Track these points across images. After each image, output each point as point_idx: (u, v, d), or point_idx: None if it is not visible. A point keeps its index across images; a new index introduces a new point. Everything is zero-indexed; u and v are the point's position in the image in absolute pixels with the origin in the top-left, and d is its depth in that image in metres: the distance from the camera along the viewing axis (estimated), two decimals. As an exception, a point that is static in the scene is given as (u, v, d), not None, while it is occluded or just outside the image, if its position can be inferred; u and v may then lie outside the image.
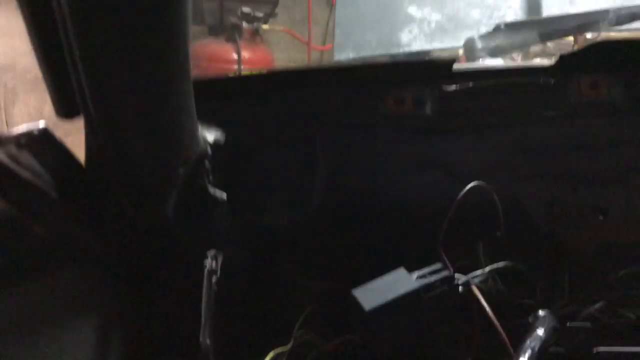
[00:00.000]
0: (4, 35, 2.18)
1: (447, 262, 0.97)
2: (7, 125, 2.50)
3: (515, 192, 1.14)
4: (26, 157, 0.72)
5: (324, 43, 4.48)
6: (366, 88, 0.99)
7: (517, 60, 1.21)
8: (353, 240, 1.16)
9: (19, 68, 2.47)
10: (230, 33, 3.76)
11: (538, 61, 1.05)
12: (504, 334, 0.90)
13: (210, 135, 0.84)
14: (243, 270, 1.02)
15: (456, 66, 0.97)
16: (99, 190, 0.77)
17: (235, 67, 3.77)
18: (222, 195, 0.80)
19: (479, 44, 1.18)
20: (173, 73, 0.62)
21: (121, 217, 0.78)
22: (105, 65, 0.60)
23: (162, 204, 0.74)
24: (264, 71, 0.93)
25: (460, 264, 1.07)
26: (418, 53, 1.46)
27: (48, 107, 0.76)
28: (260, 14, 3.82)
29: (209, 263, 0.82)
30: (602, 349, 0.88)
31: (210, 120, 0.87)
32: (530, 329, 0.91)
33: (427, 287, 0.93)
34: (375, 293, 0.91)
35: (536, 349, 0.86)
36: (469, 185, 0.97)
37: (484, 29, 1.42)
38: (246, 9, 3.73)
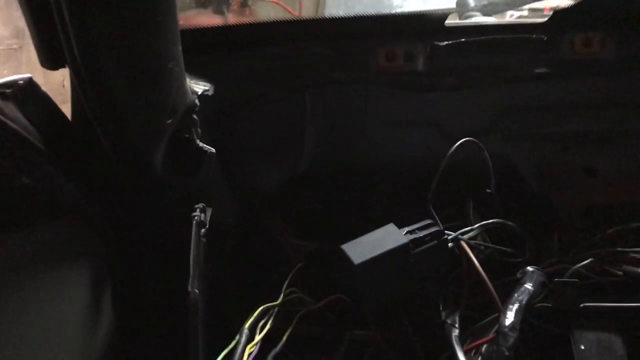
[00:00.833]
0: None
1: (437, 218, 0.99)
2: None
3: (506, 151, 1.16)
4: (11, 108, 0.73)
5: (315, 14, 4.45)
6: (357, 42, 0.99)
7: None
8: (343, 199, 1.18)
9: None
10: (217, 4, 3.73)
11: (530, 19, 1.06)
12: (492, 289, 0.93)
13: (198, 87, 0.84)
14: (232, 227, 1.03)
15: (448, 21, 0.98)
16: (85, 144, 0.78)
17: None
18: (211, 148, 0.81)
19: (472, 2, 1.19)
20: (160, 18, 0.62)
21: (108, 170, 0.79)
22: (91, 9, 0.60)
23: (149, 156, 0.75)
24: (254, 22, 0.93)
25: (451, 224, 1.10)
26: (410, 14, 1.47)
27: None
28: (249, -15, 3.79)
29: (197, 215, 0.83)
30: (588, 304, 0.91)
31: (199, 73, 0.87)
32: (518, 283, 0.93)
33: (416, 242, 0.95)
34: (364, 247, 0.93)
35: (524, 302, 0.89)
36: (460, 141, 0.99)
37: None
38: (234, -21, 3.69)
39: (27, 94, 0.74)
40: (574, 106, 1.14)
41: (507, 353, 0.79)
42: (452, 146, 1.02)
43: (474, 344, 0.88)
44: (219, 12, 3.85)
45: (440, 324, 0.95)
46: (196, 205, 0.85)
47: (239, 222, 1.06)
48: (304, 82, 1.02)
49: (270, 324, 0.94)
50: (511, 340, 0.80)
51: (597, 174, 1.16)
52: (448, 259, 1.00)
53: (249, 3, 3.94)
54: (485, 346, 0.86)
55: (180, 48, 0.70)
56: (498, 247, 1.05)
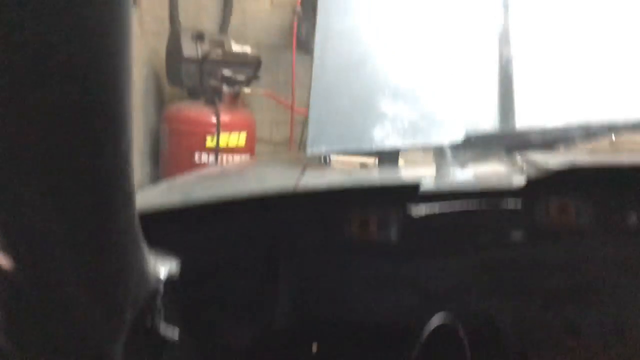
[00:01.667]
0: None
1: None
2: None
3: (485, 310, 1.16)
4: None
5: (308, 105, 4.57)
6: (329, 210, 1.01)
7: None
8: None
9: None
10: (209, 96, 3.83)
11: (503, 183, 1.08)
12: None
13: (163, 269, 0.84)
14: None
15: (423, 189, 1.00)
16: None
17: (214, 130, 3.82)
18: (174, 334, 0.80)
19: (449, 153, 1.22)
20: (117, 235, 0.61)
21: None
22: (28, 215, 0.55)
23: (107, 352, 0.73)
24: (223, 199, 0.94)
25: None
26: (390, 152, 1.50)
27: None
28: (241, 77, 3.90)
29: None
30: None
31: (165, 247, 0.87)
32: None
33: None
34: None
35: None
36: (433, 326, 0.99)
37: (457, 128, 1.47)
38: (227, 72, 3.81)
39: None
40: (553, 265, 1.15)
41: None
42: (430, 306, 1.02)
43: None
44: (211, 103, 3.96)
45: None
46: None
47: None
48: (275, 251, 1.02)
49: None
50: None
51: (580, 333, 1.15)
52: None
53: (241, 96, 4.06)
54: None
55: (141, 246, 0.69)
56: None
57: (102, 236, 0.59)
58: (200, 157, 3.85)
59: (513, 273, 1.15)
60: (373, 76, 1.56)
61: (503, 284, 1.15)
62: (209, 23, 4.40)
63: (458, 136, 1.24)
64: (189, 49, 3.77)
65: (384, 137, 1.49)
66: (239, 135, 4.03)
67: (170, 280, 0.83)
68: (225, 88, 3.84)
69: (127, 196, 0.59)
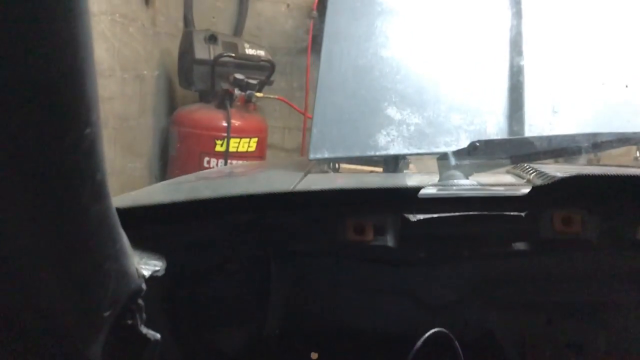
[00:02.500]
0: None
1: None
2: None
3: (485, 323, 1.15)
4: None
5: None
6: (324, 213, 1.01)
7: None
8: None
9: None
10: (220, 100, 3.85)
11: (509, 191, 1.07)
12: None
13: (147, 268, 0.84)
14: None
15: (422, 193, 0.99)
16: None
17: (224, 135, 3.85)
18: (155, 335, 0.80)
19: (453, 161, 1.22)
20: (90, 230, 0.60)
21: None
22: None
23: (86, 351, 0.74)
24: (215, 196, 0.94)
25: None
26: (395, 157, 1.50)
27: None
28: (254, 81, 3.92)
29: None
30: None
31: (152, 246, 0.88)
32: None
33: None
34: None
35: None
36: (428, 334, 0.98)
37: (463, 135, 1.48)
38: (239, 76, 3.83)
39: None
40: (558, 278, 1.14)
41: None
42: (428, 317, 1.01)
43: None
44: (222, 107, 3.99)
45: None
46: None
47: None
48: (267, 253, 1.03)
49: None
50: None
51: (583, 350, 1.14)
52: None
53: (253, 100, 4.09)
54: None
55: (120, 244, 0.69)
56: None
57: (71, 230, 0.57)
58: (209, 162, 3.87)
59: (515, 286, 1.14)
60: (380, 82, 1.57)
61: (505, 296, 1.15)
62: (223, 25, 4.45)
63: (464, 143, 1.24)
64: (202, 51, 3.81)
65: (389, 143, 1.50)
66: (249, 141, 4.04)
67: (155, 280, 0.84)
68: (237, 92, 3.86)
69: (98, 186, 0.57)
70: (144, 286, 0.78)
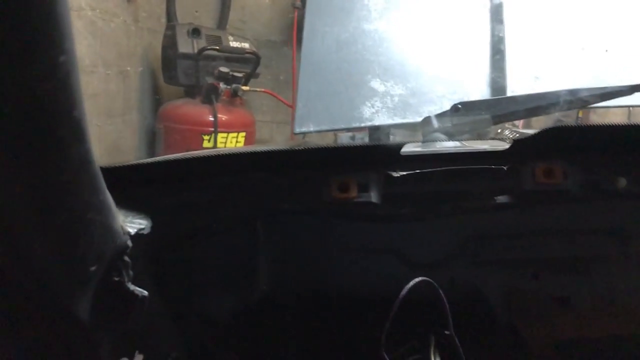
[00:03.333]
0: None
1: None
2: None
3: (472, 280, 1.19)
4: None
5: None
6: (308, 172, 1.04)
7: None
8: (300, 331, 1.19)
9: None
10: (206, 94, 3.88)
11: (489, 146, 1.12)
12: None
13: (132, 226, 0.87)
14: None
15: (404, 150, 1.03)
16: None
17: (211, 130, 3.87)
18: (143, 292, 0.81)
19: (436, 124, 1.27)
20: (75, 169, 0.61)
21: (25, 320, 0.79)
22: None
23: (73, 307, 0.73)
24: (199, 155, 0.96)
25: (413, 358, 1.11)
26: (379, 128, 1.55)
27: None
28: (239, 74, 3.95)
29: None
30: None
31: (137, 207, 0.90)
32: None
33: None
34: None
35: None
36: (412, 282, 1.02)
37: (447, 104, 1.53)
38: (224, 69, 3.86)
39: None
40: (543, 233, 1.18)
41: None
42: (414, 275, 1.05)
43: None
44: (208, 101, 4.02)
45: None
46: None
47: (187, 356, 1.07)
48: (253, 213, 1.06)
49: None
50: None
51: (570, 304, 1.19)
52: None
53: (240, 93, 4.13)
54: None
55: (103, 196, 0.71)
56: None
57: (51, 168, 0.58)
58: (197, 158, 3.89)
59: (501, 242, 1.18)
60: (363, 54, 1.62)
61: (491, 253, 1.19)
62: (207, 19, 4.49)
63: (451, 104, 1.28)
64: (185, 45, 3.85)
65: (374, 114, 1.55)
66: (237, 136, 4.07)
67: (140, 237, 0.86)
68: (223, 85, 3.89)
69: (76, 125, 0.58)
70: (129, 243, 0.80)
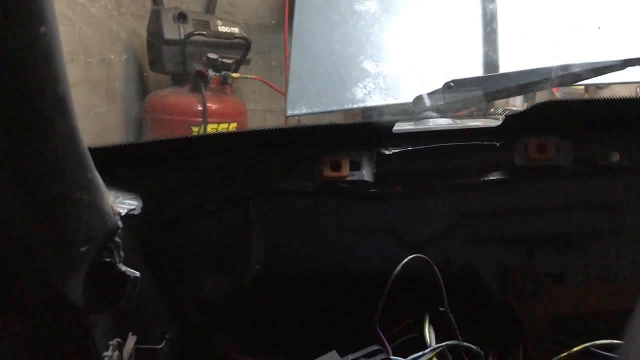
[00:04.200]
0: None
1: (385, 341, 1.05)
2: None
3: (466, 257, 1.24)
4: None
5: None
6: (300, 151, 1.08)
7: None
8: (295, 311, 1.24)
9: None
10: (194, 82, 3.88)
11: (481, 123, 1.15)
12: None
13: (123, 206, 0.89)
14: (171, 349, 1.07)
15: (396, 128, 1.06)
16: None
17: (201, 120, 3.88)
18: (135, 273, 0.83)
19: (428, 102, 1.31)
20: (60, 148, 0.62)
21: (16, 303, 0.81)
22: None
23: (64, 288, 0.75)
24: (190, 136, 1.00)
25: (407, 337, 1.15)
26: (372, 109, 1.59)
27: None
28: (229, 61, 3.94)
29: (108, 356, 0.86)
30: None
31: (129, 188, 0.93)
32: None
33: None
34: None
35: None
36: (407, 259, 1.06)
37: (439, 84, 1.57)
38: (213, 55, 3.86)
39: None
40: (536, 209, 1.23)
41: None
42: (408, 253, 1.09)
43: None
44: (196, 90, 4.02)
45: None
46: (110, 342, 0.88)
47: (179, 340, 1.11)
48: (245, 193, 1.09)
49: None
50: None
51: (564, 280, 1.23)
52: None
53: (230, 81, 4.13)
54: None
55: (91, 175, 0.72)
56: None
57: (37, 144, 0.58)
58: (186, 148, 3.89)
59: (495, 219, 1.23)
60: (354, 35, 1.66)
61: (485, 231, 1.23)
62: (194, 3, 4.49)
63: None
64: (171, 31, 3.85)
65: (366, 95, 1.59)
66: (228, 126, 4.05)
67: (131, 218, 0.89)
68: (212, 73, 3.88)
69: (60, 100, 0.58)
70: (120, 223, 0.82)
